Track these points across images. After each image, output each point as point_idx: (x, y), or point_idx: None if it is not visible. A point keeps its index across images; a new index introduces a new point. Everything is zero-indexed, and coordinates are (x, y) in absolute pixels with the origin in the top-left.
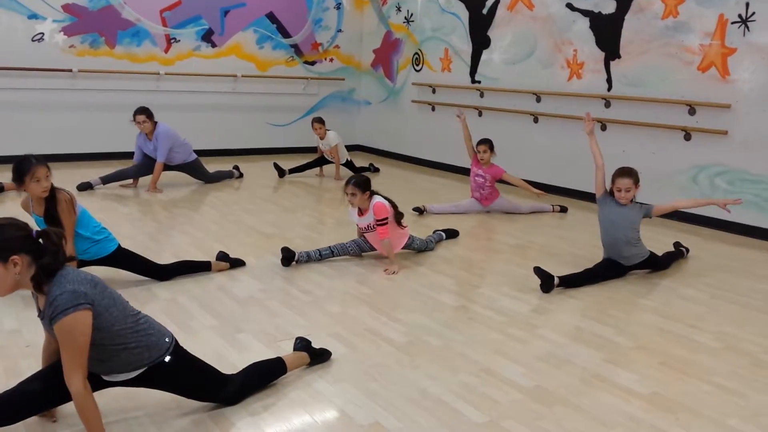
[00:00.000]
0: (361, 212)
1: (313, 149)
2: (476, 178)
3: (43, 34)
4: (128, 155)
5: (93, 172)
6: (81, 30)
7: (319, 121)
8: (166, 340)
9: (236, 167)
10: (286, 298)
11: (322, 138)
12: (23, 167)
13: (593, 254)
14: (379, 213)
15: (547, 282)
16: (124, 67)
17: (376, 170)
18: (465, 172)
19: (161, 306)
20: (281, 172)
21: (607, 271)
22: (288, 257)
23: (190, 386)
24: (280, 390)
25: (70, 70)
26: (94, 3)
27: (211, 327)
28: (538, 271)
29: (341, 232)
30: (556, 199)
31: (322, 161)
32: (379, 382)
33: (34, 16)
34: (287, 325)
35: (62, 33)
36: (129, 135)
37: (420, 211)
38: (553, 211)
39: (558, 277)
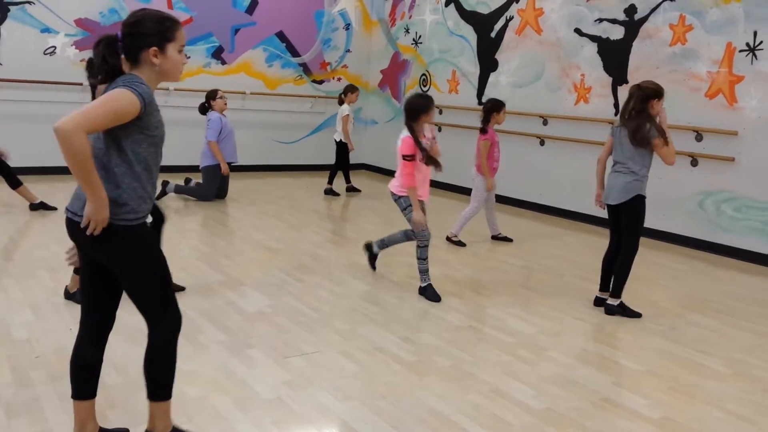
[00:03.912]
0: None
1: (318, 167)
2: (496, 150)
3: (55, 47)
4: None
5: None
6: (93, 44)
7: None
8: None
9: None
10: (294, 314)
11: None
12: None
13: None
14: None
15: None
16: None
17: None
18: (471, 191)
19: None
20: (333, 192)
21: (616, 233)
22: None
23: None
24: (290, 406)
25: (81, 84)
26: (106, 18)
27: (219, 342)
28: (629, 314)
29: (348, 248)
30: (559, 221)
31: (341, 153)
32: (388, 400)
33: (46, 30)
34: (296, 341)
35: (74, 47)
36: None
37: (459, 242)
38: (498, 235)
39: (620, 301)
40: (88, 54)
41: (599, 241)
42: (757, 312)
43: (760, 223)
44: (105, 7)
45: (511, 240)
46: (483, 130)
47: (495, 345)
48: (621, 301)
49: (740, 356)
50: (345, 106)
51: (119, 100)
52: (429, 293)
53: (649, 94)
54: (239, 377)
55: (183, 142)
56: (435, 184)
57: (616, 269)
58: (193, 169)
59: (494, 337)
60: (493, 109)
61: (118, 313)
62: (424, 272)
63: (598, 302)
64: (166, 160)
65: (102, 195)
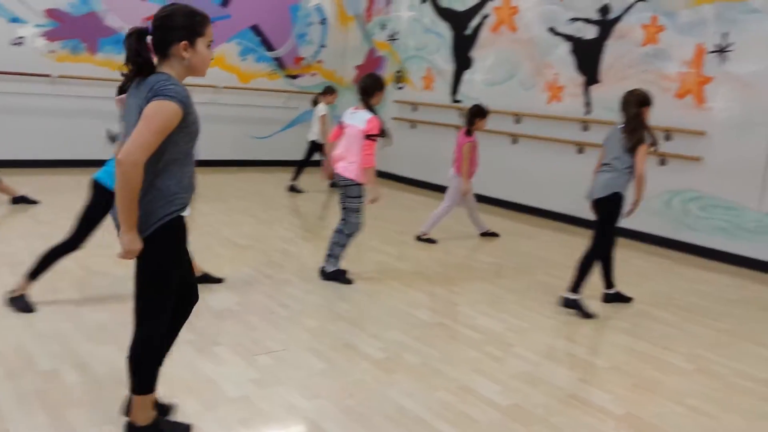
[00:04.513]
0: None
1: (291, 163)
2: (477, 154)
3: (23, 37)
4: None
5: (71, 179)
6: (62, 35)
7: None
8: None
9: None
10: (263, 311)
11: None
12: None
13: (568, 275)
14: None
15: (621, 298)
16: (105, 75)
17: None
18: (444, 189)
19: None
20: (296, 189)
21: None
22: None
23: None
24: (257, 404)
25: (49, 75)
26: (76, 8)
27: (186, 340)
28: (584, 314)
29: (319, 245)
30: (530, 219)
31: (312, 152)
32: (357, 398)
33: (15, 20)
34: (264, 339)
35: (43, 37)
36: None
37: (429, 240)
38: (486, 231)
39: (579, 297)
40: (57, 45)
41: (570, 240)
42: (720, 309)
43: (725, 222)
44: None
45: (498, 235)
46: (468, 132)
47: (464, 342)
48: (580, 298)
49: (702, 353)
50: (321, 105)
51: (161, 114)
52: (342, 278)
53: (641, 99)
54: (206, 375)
55: None
56: (408, 182)
57: (578, 264)
58: None
59: (463, 334)
60: (477, 114)
61: (79, 310)
62: (338, 257)
63: (608, 299)
64: None
65: (135, 227)
